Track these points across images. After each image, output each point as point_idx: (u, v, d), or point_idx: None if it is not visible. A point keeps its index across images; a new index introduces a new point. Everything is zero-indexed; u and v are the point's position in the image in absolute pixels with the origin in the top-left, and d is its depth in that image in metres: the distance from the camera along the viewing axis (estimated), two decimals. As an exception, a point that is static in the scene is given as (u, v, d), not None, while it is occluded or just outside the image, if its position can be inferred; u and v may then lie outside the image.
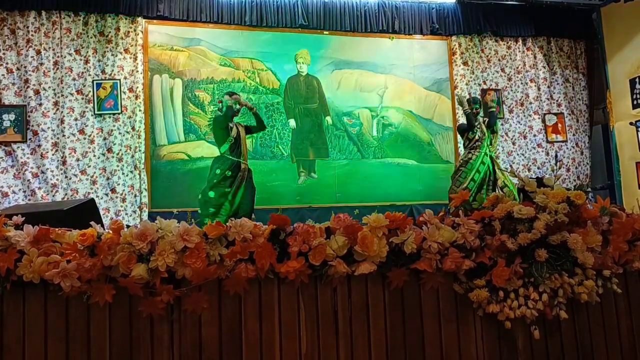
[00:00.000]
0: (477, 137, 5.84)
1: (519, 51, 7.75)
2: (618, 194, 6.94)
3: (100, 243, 1.85)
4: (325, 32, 7.14)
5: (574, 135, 7.75)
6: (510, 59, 7.72)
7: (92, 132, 6.20)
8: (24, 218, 1.98)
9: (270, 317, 1.95)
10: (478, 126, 5.89)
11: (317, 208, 6.62)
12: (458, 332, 2.10)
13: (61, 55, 6.20)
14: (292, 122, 6.91)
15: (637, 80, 6.76)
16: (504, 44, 7.72)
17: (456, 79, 7.45)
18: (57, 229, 1.90)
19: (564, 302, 2.10)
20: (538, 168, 7.51)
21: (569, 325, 2.20)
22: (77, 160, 6.12)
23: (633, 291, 2.33)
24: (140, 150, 6.31)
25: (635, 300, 2.33)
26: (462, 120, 6.64)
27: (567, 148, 7.66)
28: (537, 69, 7.77)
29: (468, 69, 7.51)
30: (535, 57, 7.78)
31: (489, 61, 7.64)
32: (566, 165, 7.55)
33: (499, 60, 7.68)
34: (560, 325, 2.18)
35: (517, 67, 7.72)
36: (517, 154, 7.54)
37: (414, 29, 7.40)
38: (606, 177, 7.49)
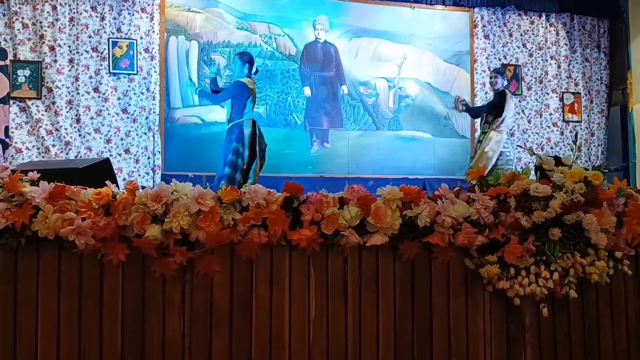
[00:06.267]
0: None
1: (542, 27, 7.57)
2: (632, 177, 6.86)
3: (115, 202, 1.85)
4: (345, -1, 7.02)
5: (590, 115, 7.65)
6: (533, 34, 7.55)
7: (107, 90, 6.18)
8: (39, 174, 1.99)
9: (281, 282, 1.97)
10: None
11: (329, 178, 6.60)
12: (466, 306, 2.11)
13: (77, 12, 6.15)
14: (307, 90, 6.85)
15: (660, 61, 6.60)
16: (527, 19, 7.54)
17: (476, 53, 7.32)
18: (72, 187, 1.91)
19: (574, 282, 2.10)
20: (552, 148, 7.43)
21: (577, 304, 2.20)
22: (92, 118, 6.13)
23: (644, 274, 2.33)
24: (154, 112, 6.30)
25: (645, 282, 2.33)
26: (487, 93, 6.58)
27: (581, 128, 7.56)
28: (559, 46, 7.60)
29: (489, 43, 7.36)
30: (557, 34, 7.61)
31: (510, 35, 7.48)
32: (578, 145, 7.46)
33: (521, 35, 7.51)
34: (569, 303, 2.18)
35: (539, 43, 7.56)
36: (532, 132, 7.45)
37: (436, -1, 7.26)
38: (621, 159, 7.40)
